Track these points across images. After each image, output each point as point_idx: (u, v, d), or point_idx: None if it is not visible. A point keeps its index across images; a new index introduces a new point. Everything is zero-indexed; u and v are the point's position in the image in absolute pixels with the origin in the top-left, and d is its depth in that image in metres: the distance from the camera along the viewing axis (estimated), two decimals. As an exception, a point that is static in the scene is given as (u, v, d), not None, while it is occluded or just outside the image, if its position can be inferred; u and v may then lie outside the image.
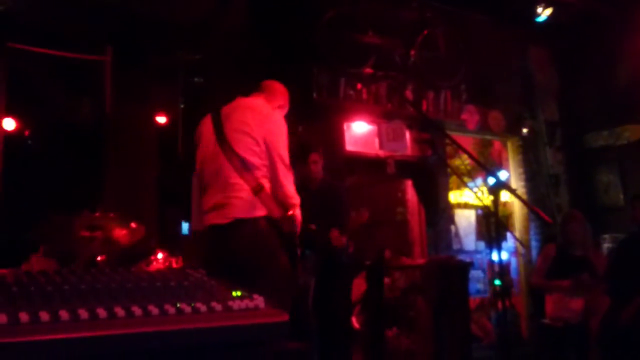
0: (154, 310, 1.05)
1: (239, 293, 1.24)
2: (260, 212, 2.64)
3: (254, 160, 2.69)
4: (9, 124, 4.78)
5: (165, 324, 1.04)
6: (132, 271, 1.33)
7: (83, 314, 0.97)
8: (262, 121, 2.76)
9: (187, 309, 1.09)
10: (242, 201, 2.64)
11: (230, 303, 1.15)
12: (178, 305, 1.09)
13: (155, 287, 1.19)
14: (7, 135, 4.58)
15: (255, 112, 2.81)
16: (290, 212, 2.66)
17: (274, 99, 3.03)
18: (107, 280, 1.18)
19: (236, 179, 2.67)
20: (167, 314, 1.06)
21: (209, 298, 1.17)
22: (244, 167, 2.66)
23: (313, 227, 3.10)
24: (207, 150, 2.83)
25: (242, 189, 2.65)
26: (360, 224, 4.35)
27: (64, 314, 0.95)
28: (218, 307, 1.13)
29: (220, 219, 2.68)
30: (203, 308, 1.11)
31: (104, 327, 0.96)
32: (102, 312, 0.99)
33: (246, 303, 1.17)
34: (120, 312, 1.00)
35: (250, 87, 3.08)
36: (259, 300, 1.19)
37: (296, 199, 2.77)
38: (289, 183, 2.74)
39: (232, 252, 2.62)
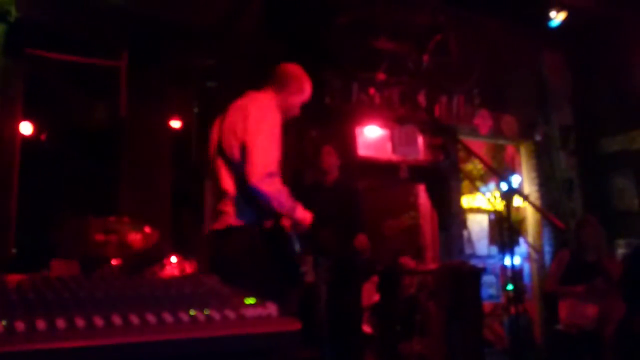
0: (168, 318, 1.06)
1: (252, 300, 1.26)
2: (251, 219, 2.55)
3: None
4: (26, 128, 4.85)
5: (179, 332, 1.05)
6: (146, 278, 1.35)
7: (98, 321, 0.99)
8: (244, 117, 2.57)
9: (201, 317, 1.11)
10: (233, 208, 2.57)
11: (243, 311, 1.17)
12: (192, 313, 1.11)
13: (169, 294, 1.21)
14: (24, 139, 4.64)
15: (243, 110, 2.61)
16: (273, 223, 2.50)
17: (286, 85, 2.80)
18: (122, 287, 1.20)
19: (228, 185, 2.59)
20: (181, 322, 1.07)
21: (223, 306, 1.18)
22: (235, 172, 2.57)
23: (326, 233, 3.05)
24: (209, 153, 2.78)
25: (233, 196, 2.58)
26: (401, 229, 4.36)
27: (79, 322, 0.97)
28: (232, 315, 1.15)
29: (217, 225, 2.64)
30: (217, 316, 1.13)
31: (119, 335, 0.98)
32: (117, 320, 1.00)
33: (259, 311, 1.19)
34: (135, 320, 1.02)
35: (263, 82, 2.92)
36: (272, 308, 1.21)
37: (281, 205, 2.51)
38: (265, 184, 2.44)
39: (222, 258, 2.56)
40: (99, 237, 3.25)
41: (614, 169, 6.73)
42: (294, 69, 2.86)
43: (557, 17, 6.27)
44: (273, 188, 2.46)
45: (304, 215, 2.61)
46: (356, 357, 4.37)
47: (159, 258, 3.75)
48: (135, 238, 3.44)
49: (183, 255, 3.89)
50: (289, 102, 2.81)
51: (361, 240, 4.07)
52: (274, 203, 2.48)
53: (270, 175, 2.44)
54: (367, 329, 5.26)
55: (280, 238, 2.52)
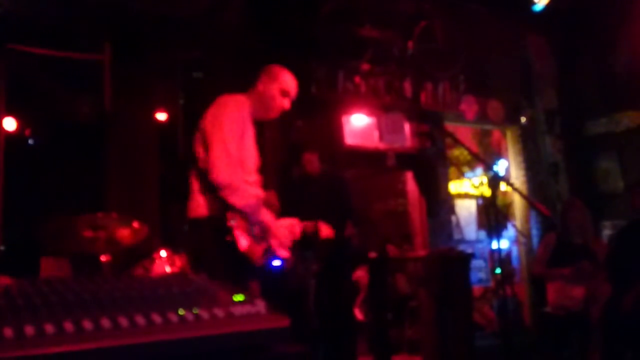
0: (157, 319, 1.07)
1: (240, 297, 1.27)
2: (203, 212, 2.66)
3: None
4: (10, 124, 4.80)
5: (169, 332, 1.06)
6: (135, 278, 1.36)
7: (87, 325, 0.99)
8: (207, 119, 2.73)
9: (190, 317, 1.12)
10: (195, 202, 2.71)
11: (232, 309, 1.18)
12: (181, 312, 1.12)
13: (158, 294, 1.22)
14: (8, 135, 4.59)
15: (209, 113, 2.76)
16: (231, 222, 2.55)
17: (256, 81, 2.89)
18: (110, 289, 1.20)
19: (195, 184, 2.74)
20: (170, 322, 1.08)
21: (211, 304, 1.19)
22: (202, 167, 2.69)
23: (310, 227, 3.05)
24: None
25: (199, 189, 2.72)
26: (388, 211, 4.29)
27: (68, 326, 0.97)
28: (220, 313, 1.15)
29: (190, 214, 2.77)
30: (206, 315, 1.14)
31: (108, 338, 0.99)
32: (106, 323, 1.01)
33: (248, 308, 1.20)
34: (124, 322, 1.03)
35: (249, 80, 2.98)
36: (260, 305, 1.22)
37: (238, 200, 2.57)
38: (222, 177, 2.55)
39: (192, 248, 2.71)
40: (88, 233, 3.24)
41: (599, 151, 6.79)
42: (275, 70, 2.92)
43: (540, 1, 6.29)
44: (231, 183, 2.56)
45: (264, 216, 2.67)
46: (348, 342, 4.41)
47: (149, 253, 3.75)
48: (124, 234, 3.43)
49: (172, 249, 3.89)
50: (264, 95, 2.87)
51: (348, 229, 4.10)
52: (229, 198, 2.56)
53: (230, 172, 2.56)
54: (359, 315, 5.31)
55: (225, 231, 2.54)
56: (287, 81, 2.90)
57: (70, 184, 4.63)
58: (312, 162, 4.34)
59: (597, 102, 6.82)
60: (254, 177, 2.84)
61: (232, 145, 2.61)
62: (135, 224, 3.45)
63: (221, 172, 2.54)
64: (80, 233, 3.19)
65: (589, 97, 6.92)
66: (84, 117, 5.04)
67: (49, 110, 5.02)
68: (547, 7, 6.34)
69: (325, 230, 3.09)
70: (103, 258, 3.25)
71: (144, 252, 3.73)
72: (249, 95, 2.86)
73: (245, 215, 2.58)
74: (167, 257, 3.76)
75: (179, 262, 3.73)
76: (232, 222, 2.49)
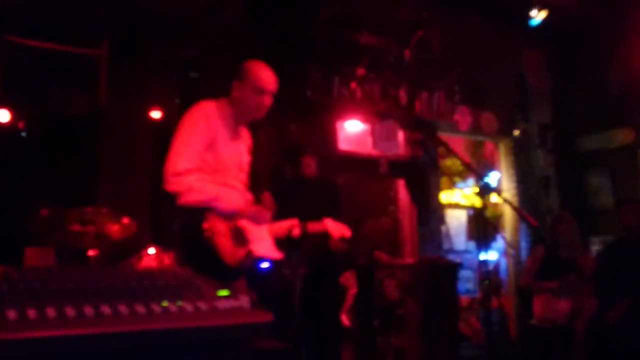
0: (140, 309, 1.08)
1: (225, 292, 1.27)
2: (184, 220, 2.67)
3: None
4: (3, 115, 4.78)
5: (151, 322, 1.06)
6: (120, 269, 1.36)
7: (70, 312, 1.00)
8: None
9: (174, 308, 1.12)
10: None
11: (215, 303, 1.18)
12: (164, 304, 1.12)
13: (143, 286, 1.22)
14: (1, 126, 4.58)
15: None
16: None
17: (240, 87, 2.77)
18: (95, 279, 1.21)
19: None
20: (153, 313, 1.09)
21: (196, 297, 1.20)
22: None
23: (297, 230, 3.03)
24: None
25: None
26: (384, 231, 4.36)
27: (50, 312, 0.98)
28: (204, 306, 1.16)
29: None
30: (189, 307, 1.14)
31: (90, 326, 0.99)
32: (89, 311, 1.01)
33: (231, 303, 1.21)
34: (106, 310, 1.03)
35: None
36: (244, 300, 1.23)
37: (196, 202, 2.55)
38: (170, 184, 2.57)
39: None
40: (76, 227, 3.23)
41: (590, 167, 6.84)
42: (251, 66, 2.80)
43: (537, 16, 6.34)
44: (179, 187, 2.55)
45: (228, 204, 2.61)
46: (333, 349, 4.41)
47: (137, 249, 3.74)
48: (113, 229, 3.43)
49: (162, 246, 3.88)
50: (240, 98, 2.78)
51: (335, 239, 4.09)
52: (182, 200, 2.55)
53: (176, 174, 2.55)
54: (346, 321, 5.30)
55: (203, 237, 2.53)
56: (260, 78, 2.75)
57: (63, 178, 4.61)
58: (310, 166, 4.33)
59: (591, 118, 6.88)
60: (239, 180, 2.81)
61: (188, 153, 2.59)
62: (125, 220, 3.45)
63: (167, 181, 2.57)
64: (68, 226, 3.19)
65: (582, 113, 6.98)
66: (78, 112, 5.03)
67: (44, 104, 5.01)
68: (544, 22, 6.40)
69: (336, 229, 3.04)
70: (91, 252, 3.24)
71: (133, 248, 3.72)
72: (229, 100, 2.80)
73: (221, 217, 2.57)
74: (156, 254, 3.75)
75: (167, 259, 3.72)
76: (209, 228, 2.48)
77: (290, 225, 2.97)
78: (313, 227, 3.10)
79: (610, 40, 6.63)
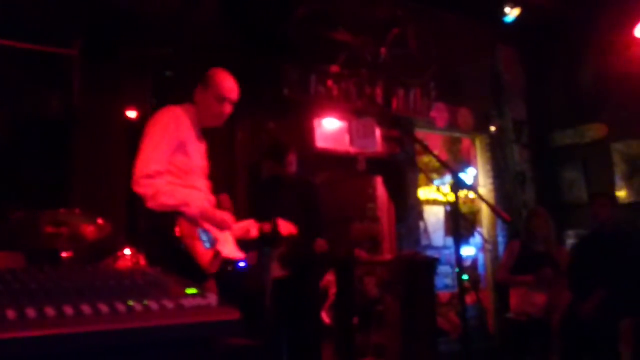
0: (104, 308, 1.07)
1: (193, 291, 1.27)
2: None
3: None
4: (-26, 117, 4.70)
5: (115, 322, 1.05)
6: (86, 269, 1.35)
7: (31, 313, 0.98)
8: None
9: (139, 307, 1.12)
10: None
11: (182, 301, 1.18)
12: (129, 303, 1.11)
13: (108, 285, 1.21)
14: (-28, 129, 4.50)
15: None
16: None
17: (203, 94, 2.82)
18: (59, 279, 1.19)
19: None
20: (117, 312, 1.08)
21: (162, 296, 1.19)
22: None
23: (267, 227, 3.04)
24: None
25: None
26: (370, 236, 4.37)
27: (10, 314, 0.96)
28: (170, 305, 1.15)
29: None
30: (155, 306, 1.13)
31: (52, 326, 0.98)
32: (50, 311, 1.00)
33: (198, 301, 1.20)
34: (69, 310, 1.02)
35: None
36: (212, 298, 1.22)
37: (162, 205, 2.55)
38: (140, 186, 2.58)
39: None
40: (49, 229, 3.19)
41: (564, 162, 6.94)
42: (214, 75, 2.85)
43: (511, 13, 6.42)
44: (149, 190, 2.56)
45: (196, 210, 2.62)
46: (313, 346, 4.40)
47: (112, 250, 3.70)
48: (87, 230, 3.39)
49: (137, 247, 3.84)
50: (202, 105, 2.82)
51: (321, 244, 4.11)
52: (151, 203, 2.56)
53: (147, 177, 2.57)
54: (327, 319, 5.31)
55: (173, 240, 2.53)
56: (222, 86, 2.80)
57: (35, 180, 4.55)
58: (293, 163, 4.33)
59: (565, 114, 6.98)
60: (203, 183, 2.84)
61: (156, 156, 2.60)
62: (100, 221, 3.42)
63: (137, 183, 2.57)
64: (41, 228, 3.15)
65: (556, 109, 7.08)
66: (51, 113, 4.96)
67: (16, 104, 4.93)
68: (518, 19, 6.47)
69: (286, 227, 3.07)
70: (64, 254, 3.20)
71: (108, 250, 3.68)
72: (194, 105, 2.84)
73: (189, 221, 2.57)
74: (131, 255, 3.71)
75: (143, 260, 3.69)
76: (180, 231, 2.48)
77: (248, 226, 3.00)
78: (266, 227, 3.12)
79: (583, 37, 6.74)
